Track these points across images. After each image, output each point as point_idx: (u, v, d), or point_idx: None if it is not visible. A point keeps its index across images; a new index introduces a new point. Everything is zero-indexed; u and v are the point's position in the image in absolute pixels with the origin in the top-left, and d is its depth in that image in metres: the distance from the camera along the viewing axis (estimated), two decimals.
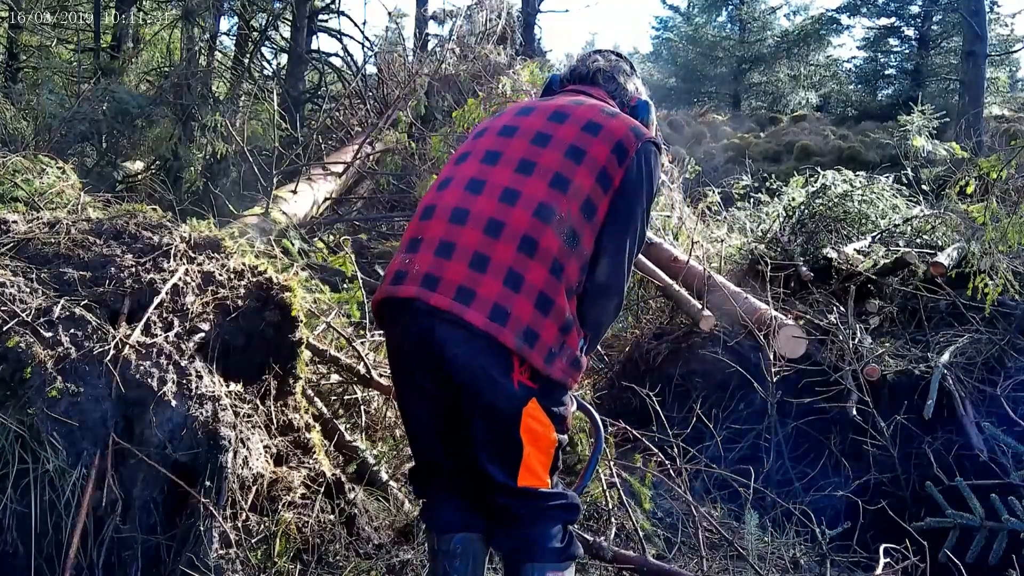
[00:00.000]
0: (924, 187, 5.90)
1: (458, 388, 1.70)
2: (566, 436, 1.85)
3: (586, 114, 1.85)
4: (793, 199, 5.65)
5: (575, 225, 1.72)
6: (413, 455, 2.01)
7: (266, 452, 2.24)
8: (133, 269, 2.19)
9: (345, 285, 3.69)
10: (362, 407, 3.06)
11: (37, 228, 2.27)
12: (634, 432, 3.04)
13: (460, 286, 1.66)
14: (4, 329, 1.91)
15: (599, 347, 4.22)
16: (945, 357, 3.72)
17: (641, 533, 2.65)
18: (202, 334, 2.19)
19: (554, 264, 1.69)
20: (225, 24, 8.76)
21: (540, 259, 1.68)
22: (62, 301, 2.03)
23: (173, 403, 1.99)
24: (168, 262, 2.26)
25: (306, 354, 2.52)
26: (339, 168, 6.50)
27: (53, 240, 2.22)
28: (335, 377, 3.07)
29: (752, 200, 6.32)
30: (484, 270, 1.67)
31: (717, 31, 25.40)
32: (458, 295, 1.65)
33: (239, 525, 2.04)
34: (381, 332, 3.51)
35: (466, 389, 1.69)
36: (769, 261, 4.47)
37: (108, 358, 1.94)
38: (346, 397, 3.10)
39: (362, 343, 3.20)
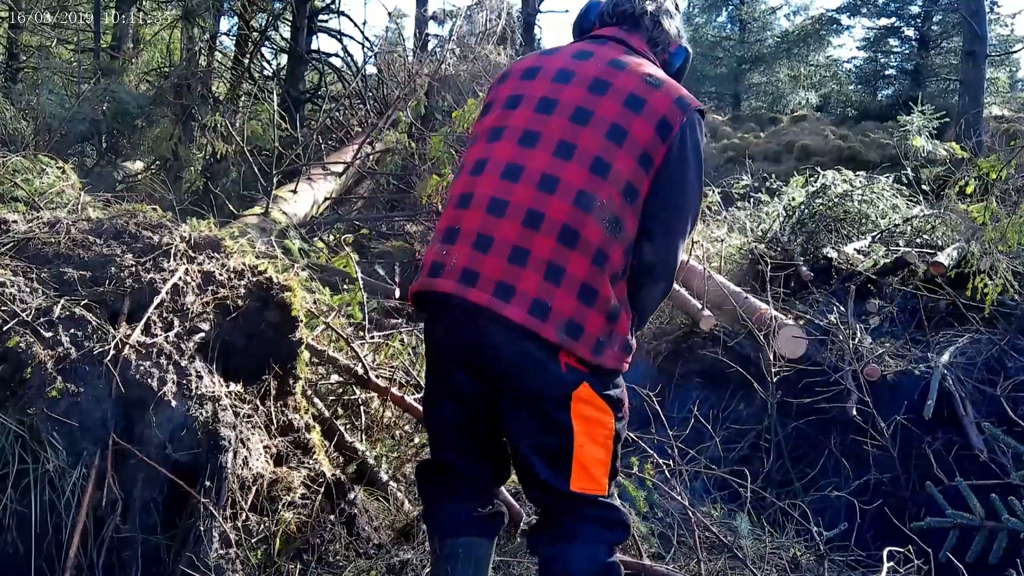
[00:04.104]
0: (924, 187, 5.90)
1: (500, 378, 1.66)
2: (625, 425, 1.77)
3: (628, 84, 1.71)
4: (793, 199, 5.65)
5: (617, 211, 1.64)
6: (431, 452, 1.98)
7: (266, 452, 2.24)
8: (133, 269, 2.18)
9: (346, 286, 3.69)
10: (362, 408, 3.06)
11: (37, 228, 2.27)
12: (632, 435, 3.04)
13: (499, 281, 1.61)
14: (4, 329, 1.91)
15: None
16: (945, 357, 3.72)
17: (638, 535, 2.65)
18: (202, 334, 2.19)
19: (597, 254, 1.62)
20: (225, 24, 8.77)
21: (581, 250, 1.62)
22: (62, 301, 2.02)
23: (173, 403, 1.99)
24: (168, 262, 2.26)
25: (306, 354, 2.51)
26: (339, 168, 6.50)
27: (53, 240, 2.22)
28: (335, 377, 3.07)
29: (752, 200, 6.32)
30: (523, 264, 1.61)
31: (717, 31, 25.43)
32: (497, 291, 1.61)
33: (239, 525, 2.04)
34: (382, 333, 3.53)
35: (509, 377, 1.65)
36: (769, 261, 4.47)
37: (108, 358, 1.94)
38: (346, 398, 3.10)
39: (361, 344, 3.20)
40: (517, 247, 1.62)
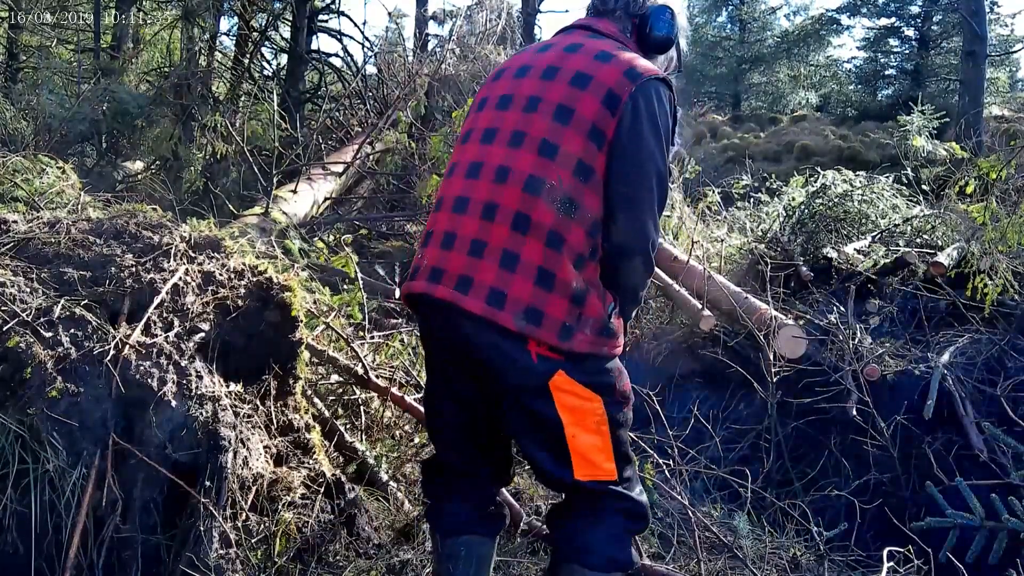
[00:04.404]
0: (924, 187, 5.90)
1: (486, 375, 1.67)
2: (624, 410, 1.73)
3: (577, 64, 1.71)
4: (793, 199, 5.65)
5: (569, 191, 1.62)
6: (435, 451, 1.99)
7: (266, 452, 2.24)
8: (133, 269, 2.19)
9: (345, 286, 3.69)
10: (362, 407, 3.07)
11: (37, 228, 2.27)
12: (632, 435, 3.04)
13: (460, 275, 1.63)
14: (4, 329, 1.91)
15: None
16: (945, 357, 3.71)
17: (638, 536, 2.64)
18: (202, 334, 2.19)
19: (550, 236, 1.60)
20: (225, 24, 8.78)
21: (534, 234, 1.61)
22: (62, 301, 2.03)
23: (173, 403, 1.99)
24: (168, 262, 2.26)
25: (306, 354, 2.52)
26: (339, 168, 6.50)
27: (53, 240, 2.22)
28: (335, 377, 3.07)
29: (752, 200, 6.32)
30: (481, 255, 1.62)
31: (717, 31, 25.45)
32: (458, 284, 1.62)
33: (239, 525, 2.04)
34: (382, 333, 3.53)
35: (492, 372, 1.66)
36: (769, 261, 4.47)
37: (108, 358, 1.94)
38: (346, 398, 3.10)
39: (361, 344, 3.20)
40: (476, 240, 1.64)
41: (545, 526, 1.89)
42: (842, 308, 4.27)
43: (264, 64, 8.54)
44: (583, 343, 1.63)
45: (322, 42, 21.64)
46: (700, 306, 4.24)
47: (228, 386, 2.21)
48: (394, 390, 2.98)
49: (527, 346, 1.60)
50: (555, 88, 1.69)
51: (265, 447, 2.24)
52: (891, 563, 2.56)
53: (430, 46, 9.36)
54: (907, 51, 21.43)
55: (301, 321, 2.45)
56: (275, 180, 5.41)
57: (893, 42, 21.80)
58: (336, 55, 8.77)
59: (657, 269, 4.73)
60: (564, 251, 1.61)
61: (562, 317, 1.60)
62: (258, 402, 2.32)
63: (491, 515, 1.94)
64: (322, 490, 2.32)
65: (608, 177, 1.65)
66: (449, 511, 1.91)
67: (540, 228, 1.61)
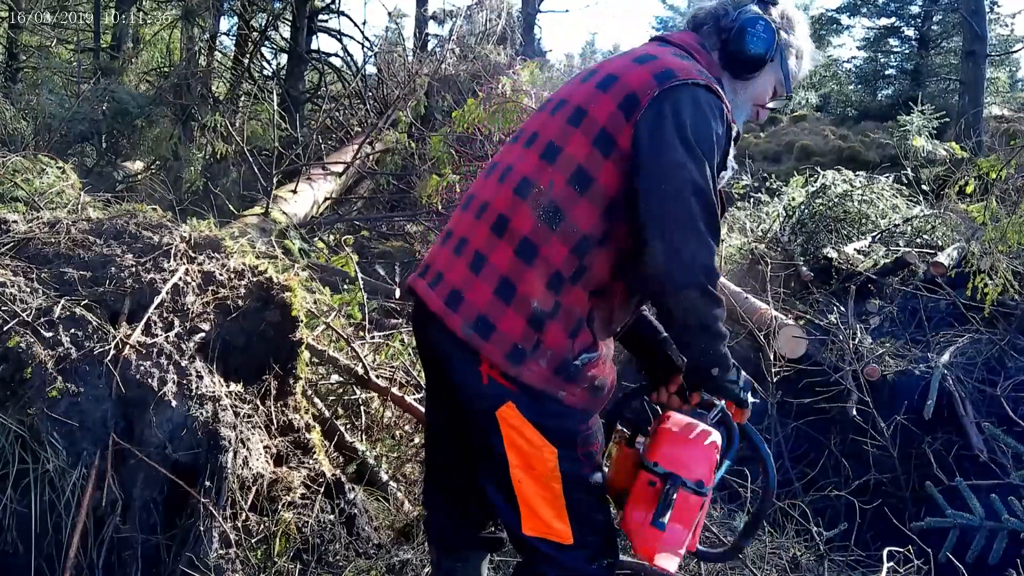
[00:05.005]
0: (924, 187, 5.91)
1: (448, 381, 1.58)
2: (585, 472, 1.51)
3: (611, 67, 1.56)
4: (793, 199, 5.66)
5: (558, 199, 1.45)
6: (426, 455, 1.93)
7: (266, 452, 2.24)
8: (133, 269, 2.19)
9: (346, 286, 3.70)
10: (362, 408, 3.07)
11: (37, 228, 2.27)
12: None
13: (438, 271, 1.57)
14: (4, 329, 1.91)
15: None
16: (945, 357, 3.72)
17: None
18: (202, 334, 2.19)
19: (522, 245, 1.45)
20: (225, 24, 8.79)
21: (507, 239, 1.47)
22: (62, 301, 2.03)
23: (173, 403, 1.99)
24: (168, 262, 2.26)
25: (306, 354, 2.52)
26: (339, 168, 6.50)
27: (53, 240, 2.22)
28: (335, 377, 3.07)
29: (752, 200, 6.32)
30: (460, 254, 1.54)
31: None
32: (432, 280, 1.56)
33: (239, 525, 2.04)
34: (382, 333, 3.53)
35: (450, 379, 1.54)
36: (769, 261, 4.48)
37: (108, 358, 1.94)
38: (346, 398, 3.10)
39: (361, 344, 3.20)
40: (463, 238, 1.56)
41: None
42: (842, 308, 4.27)
43: (264, 64, 8.55)
44: (535, 375, 1.43)
45: (322, 42, 21.62)
46: None
47: (228, 386, 2.21)
48: (394, 390, 2.98)
49: (479, 367, 1.46)
50: (582, 90, 1.55)
51: (265, 447, 2.24)
52: (891, 563, 2.56)
53: (430, 46, 9.37)
54: (907, 51, 21.41)
55: (301, 321, 2.45)
56: (275, 180, 5.41)
57: (893, 42, 21.77)
58: (336, 55, 8.79)
59: None
60: (536, 264, 1.45)
61: (515, 337, 1.43)
62: (258, 402, 2.32)
63: (490, 535, 1.84)
64: (322, 490, 2.31)
65: (634, 196, 1.43)
66: (442, 523, 1.84)
67: (514, 234, 1.47)
